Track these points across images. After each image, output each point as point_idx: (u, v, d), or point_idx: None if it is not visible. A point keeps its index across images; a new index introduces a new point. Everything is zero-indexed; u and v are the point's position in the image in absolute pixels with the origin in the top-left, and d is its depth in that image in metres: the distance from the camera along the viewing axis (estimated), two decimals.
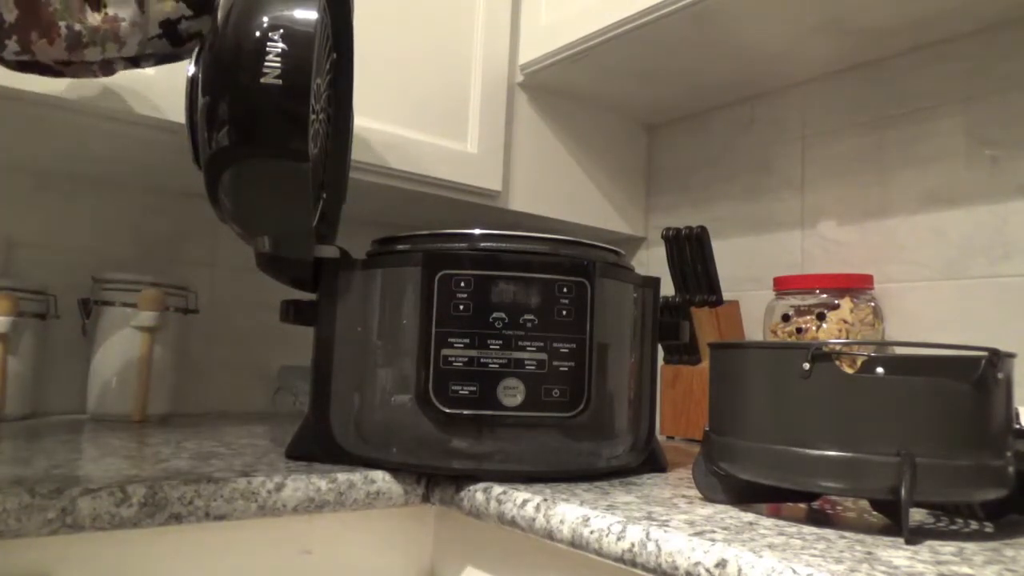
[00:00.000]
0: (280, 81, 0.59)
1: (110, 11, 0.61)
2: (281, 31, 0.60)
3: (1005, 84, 0.92)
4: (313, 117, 0.68)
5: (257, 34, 0.60)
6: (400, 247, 0.73)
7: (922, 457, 0.50)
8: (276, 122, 0.61)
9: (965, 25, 0.94)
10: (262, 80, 0.59)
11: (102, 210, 1.15)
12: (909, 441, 0.50)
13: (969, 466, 0.51)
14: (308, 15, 0.61)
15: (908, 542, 0.50)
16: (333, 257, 0.75)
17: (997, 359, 0.52)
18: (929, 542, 0.51)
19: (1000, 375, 0.53)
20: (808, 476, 0.53)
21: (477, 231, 0.71)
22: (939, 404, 0.51)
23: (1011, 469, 0.53)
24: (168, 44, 0.66)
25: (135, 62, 0.67)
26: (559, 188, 1.24)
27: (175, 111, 0.86)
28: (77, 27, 0.60)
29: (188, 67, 0.68)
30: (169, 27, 0.64)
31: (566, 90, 1.23)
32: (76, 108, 0.82)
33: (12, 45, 0.59)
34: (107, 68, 0.67)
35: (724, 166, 1.25)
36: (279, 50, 0.59)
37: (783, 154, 1.17)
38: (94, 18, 0.61)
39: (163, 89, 0.85)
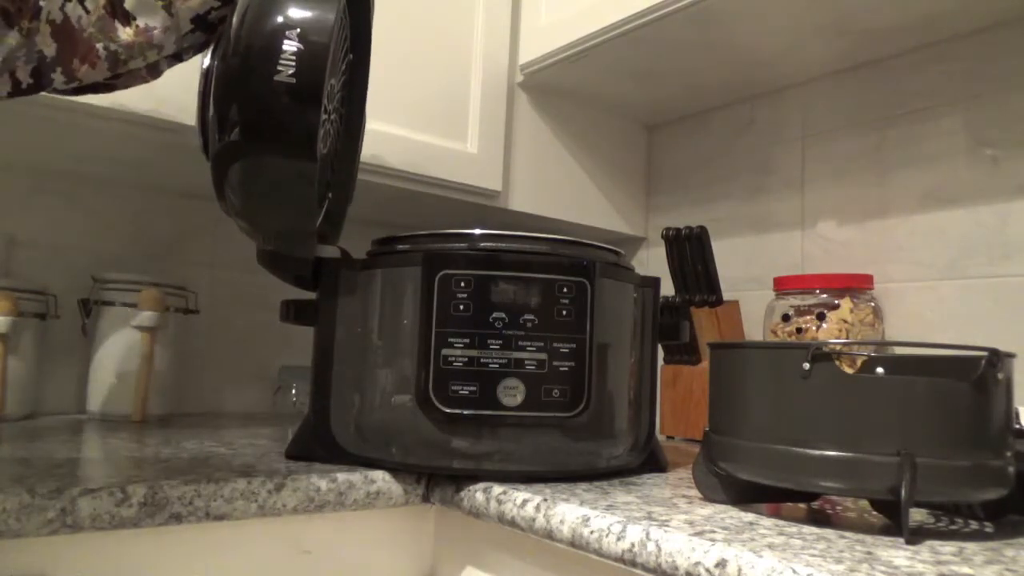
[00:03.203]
0: (294, 80, 0.60)
1: (140, 23, 0.62)
2: (297, 30, 0.60)
3: (1005, 84, 0.92)
4: (325, 117, 0.68)
5: (273, 32, 0.60)
6: (400, 247, 0.73)
7: (922, 457, 0.50)
8: (287, 120, 0.61)
9: (965, 25, 0.94)
10: (276, 78, 0.59)
11: (102, 210, 1.15)
12: (909, 441, 0.50)
13: (969, 466, 0.51)
14: (325, 16, 0.61)
15: (908, 542, 0.50)
16: (334, 257, 0.76)
17: (997, 359, 0.52)
18: (929, 542, 0.51)
19: (1000, 375, 0.53)
20: (808, 476, 0.53)
21: (477, 231, 0.71)
22: (939, 404, 0.51)
23: (1011, 469, 0.53)
24: (203, 35, 0.66)
25: (177, 57, 0.68)
26: (559, 188, 1.24)
27: (176, 110, 0.86)
28: (113, 47, 0.60)
29: (203, 60, 0.68)
30: (200, 21, 0.65)
31: (566, 90, 1.23)
32: (76, 108, 0.82)
33: (58, 77, 0.60)
34: (154, 71, 0.67)
35: (724, 166, 1.25)
36: (294, 49, 0.60)
37: (783, 154, 1.17)
38: (126, 33, 0.61)
39: (164, 88, 0.85)
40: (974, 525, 0.58)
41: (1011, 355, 0.54)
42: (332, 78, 0.71)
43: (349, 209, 0.88)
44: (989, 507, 0.59)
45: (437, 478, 0.72)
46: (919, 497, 0.50)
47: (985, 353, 0.52)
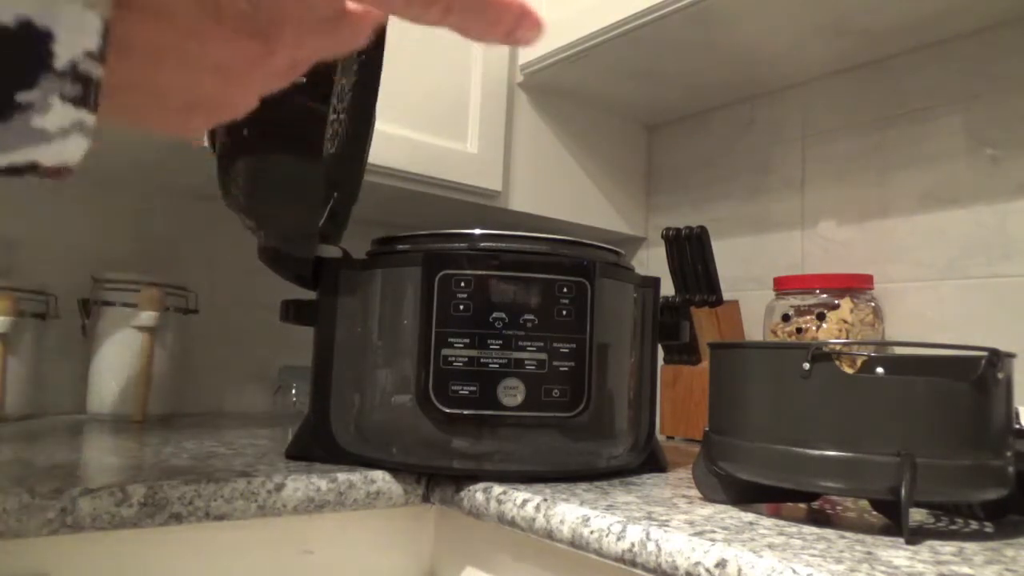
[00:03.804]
0: (303, 78, 0.60)
1: None
2: None
3: (1005, 84, 0.92)
4: (334, 117, 0.67)
5: None
6: (400, 247, 0.73)
7: (922, 457, 0.50)
8: (295, 118, 0.60)
9: (965, 25, 0.94)
10: None
11: (102, 210, 1.15)
12: (909, 441, 0.50)
13: (969, 466, 0.51)
14: None
15: (908, 542, 0.50)
16: (334, 257, 0.75)
17: (997, 359, 0.52)
18: (929, 542, 0.51)
19: (1000, 375, 0.53)
20: (808, 476, 0.53)
21: (477, 231, 0.71)
22: (939, 404, 0.51)
23: (1011, 469, 0.53)
24: None
25: None
26: (559, 188, 1.24)
27: None
28: None
29: None
30: None
31: (566, 90, 1.23)
32: None
33: None
34: None
35: (724, 166, 1.25)
36: None
37: (783, 154, 1.17)
38: None
39: None
40: (974, 525, 0.58)
41: (1011, 355, 0.54)
42: (343, 78, 0.71)
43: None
44: (989, 507, 0.59)
45: (437, 478, 0.72)
46: (919, 497, 0.50)
47: (985, 353, 0.52)
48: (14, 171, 0.24)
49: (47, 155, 0.24)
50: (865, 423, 0.51)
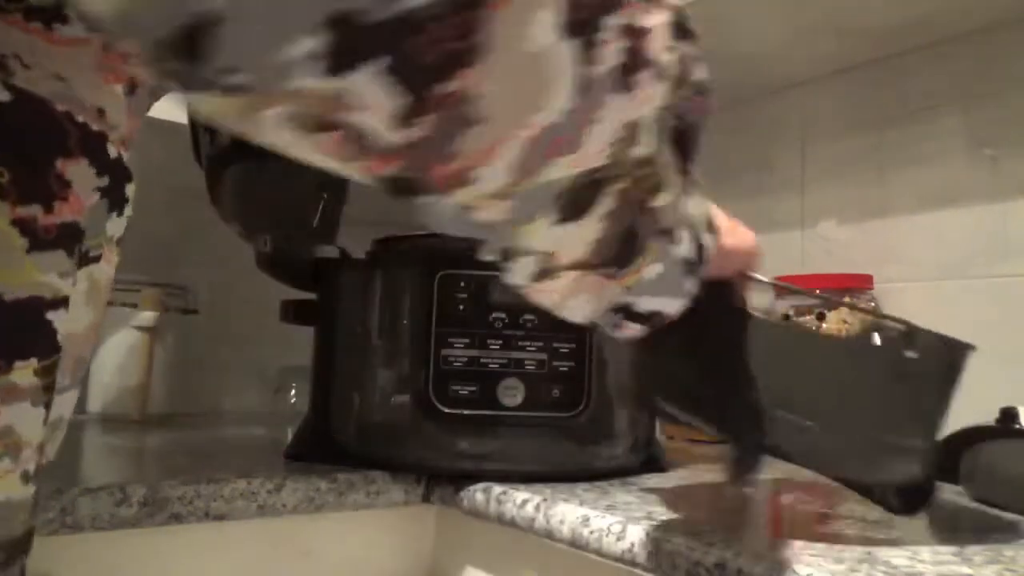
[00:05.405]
0: None
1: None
2: None
3: (1005, 84, 0.92)
4: None
5: None
6: (400, 247, 0.73)
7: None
8: None
9: (965, 25, 0.94)
10: None
11: None
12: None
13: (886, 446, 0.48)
14: None
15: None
16: (333, 257, 0.76)
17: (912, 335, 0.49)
18: (929, 542, 0.51)
19: (912, 354, 0.49)
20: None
21: None
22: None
23: (925, 457, 0.50)
24: None
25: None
26: None
27: (172, 110, 0.86)
28: None
29: None
30: None
31: None
32: None
33: None
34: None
35: (724, 166, 1.25)
36: None
37: (783, 154, 1.16)
38: None
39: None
40: (973, 524, 0.58)
41: (970, 346, 0.50)
42: None
43: (348, 209, 0.88)
44: (905, 495, 0.56)
45: (437, 478, 0.71)
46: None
47: (902, 327, 0.49)
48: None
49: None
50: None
